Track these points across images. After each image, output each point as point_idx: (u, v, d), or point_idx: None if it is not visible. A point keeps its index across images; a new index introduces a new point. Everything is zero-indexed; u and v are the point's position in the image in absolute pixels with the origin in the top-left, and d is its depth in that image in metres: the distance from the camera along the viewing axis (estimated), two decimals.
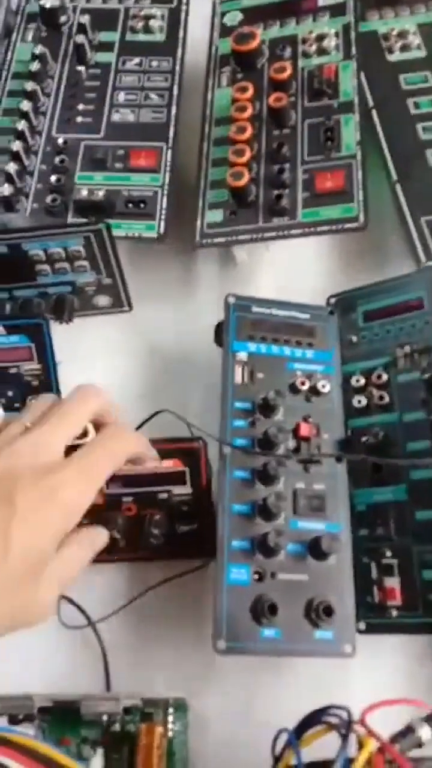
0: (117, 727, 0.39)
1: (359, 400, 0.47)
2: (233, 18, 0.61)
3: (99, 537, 0.39)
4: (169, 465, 0.44)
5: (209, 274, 0.56)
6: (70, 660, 0.44)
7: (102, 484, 0.36)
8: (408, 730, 0.31)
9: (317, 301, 0.51)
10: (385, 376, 0.47)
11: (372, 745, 0.30)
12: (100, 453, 0.37)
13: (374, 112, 0.56)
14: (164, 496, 0.44)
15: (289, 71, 0.53)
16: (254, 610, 0.39)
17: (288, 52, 0.57)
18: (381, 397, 0.46)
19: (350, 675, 0.42)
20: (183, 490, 0.44)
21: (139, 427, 0.45)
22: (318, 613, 0.39)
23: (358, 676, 0.42)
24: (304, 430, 0.44)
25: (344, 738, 0.31)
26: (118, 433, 0.39)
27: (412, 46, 0.59)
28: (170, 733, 0.40)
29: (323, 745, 0.32)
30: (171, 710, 0.40)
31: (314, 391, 0.46)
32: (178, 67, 0.58)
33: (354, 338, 0.49)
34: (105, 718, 0.39)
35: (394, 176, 0.52)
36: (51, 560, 0.34)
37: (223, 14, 0.61)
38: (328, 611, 0.39)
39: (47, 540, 0.34)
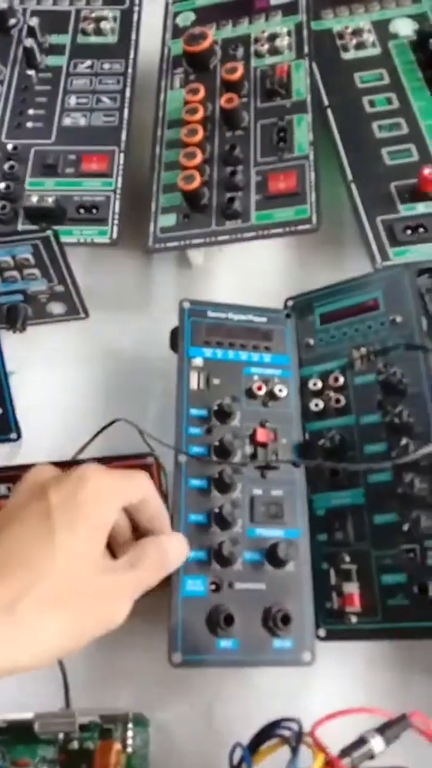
0: (75, 745, 0.39)
1: (316, 404, 0.46)
2: (186, 19, 0.60)
3: (174, 548, 0.39)
4: None
5: (166, 279, 0.55)
6: (28, 678, 0.43)
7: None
8: (360, 742, 0.31)
9: (276, 304, 0.50)
10: (341, 379, 0.46)
11: (321, 759, 0.30)
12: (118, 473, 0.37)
13: (329, 112, 0.55)
14: None
15: (240, 71, 0.53)
16: (210, 622, 0.39)
17: (241, 52, 0.56)
18: (338, 400, 0.46)
19: (312, 682, 0.41)
20: None
21: (93, 438, 0.45)
22: (276, 621, 0.39)
23: (320, 683, 0.42)
24: (261, 435, 0.43)
25: (294, 751, 0.30)
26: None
27: (367, 44, 0.58)
28: (129, 749, 0.39)
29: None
30: (130, 725, 0.39)
31: (271, 395, 0.45)
32: (130, 70, 0.57)
33: (311, 341, 0.49)
34: (61, 736, 0.38)
35: (350, 176, 0.52)
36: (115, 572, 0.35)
37: (175, 15, 0.61)
38: (286, 619, 0.39)
39: (90, 555, 0.34)
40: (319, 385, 0.47)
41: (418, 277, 0.52)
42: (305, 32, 0.56)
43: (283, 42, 0.55)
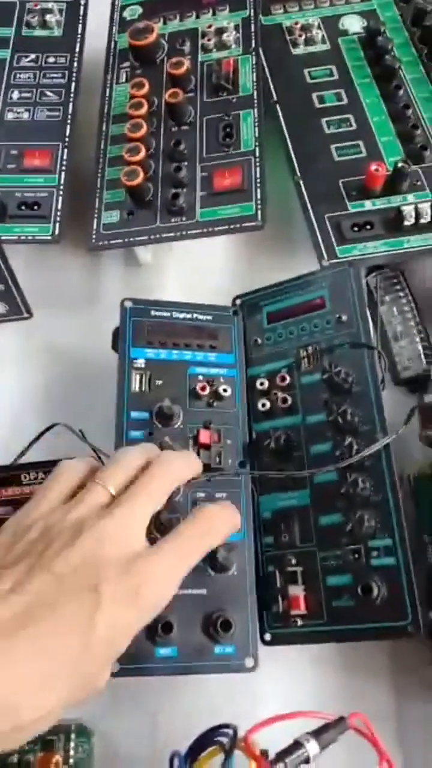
0: (14, 758, 0.38)
1: (263, 404, 0.45)
2: (133, 12, 0.59)
3: None
4: None
5: (113, 277, 0.54)
6: None
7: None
8: (295, 746, 0.30)
9: (227, 301, 0.49)
10: (288, 378, 0.45)
11: (254, 766, 0.29)
12: (188, 549, 0.34)
13: (278, 107, 0.54)
14: None
15: (186, 66, 0.52)
16: (148, 630, 0.37)
17: (188, 46, 0.56)
18: (285, 400, 0.45)
19: (260, 686, 0.41)
20: None
21: (31, 443, 0.43)
22: (216, 627, 0.38)
23: (268, 687, 0.41)
24: (204, 437, 0.42)
25: (226, 758, 0.30)
26: (208, 529, 0.35)
27: (316, 39, 0.58)
28: (71, 760, 0.38)
29: None
30: (73, 736, 0.38)
31: (216, 395, 0.44)
32: (75, 64, 0.56)
33: (259, 340, 0.48)
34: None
35: (298, 172, 0.51)
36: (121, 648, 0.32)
37: (122, 8, 0.59)
38: (226, 625, 0.38)
39: (124, 640, 0.32)
40: (266, 384, 0.46)
41: (368, 275, 0.52)
42: (252, 27, 0.55)
43: (230, 37, 0.54)
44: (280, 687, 0.41)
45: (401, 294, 0.51)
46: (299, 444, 0.43)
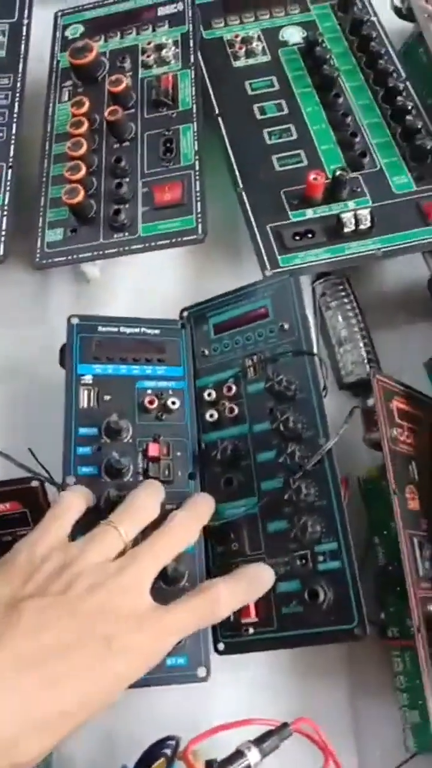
0: None
1: (211, 414, 0.46)
2: (75, 31, 0.60)
3: None
4: (7, 509, 0.42)
5: (62, 294, 0.54)
6: None
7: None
8: (236, 755, 0.31)
9: (176, 313, 0.50)
10: (234, 388, 0.46)
11: None
12: (189, 618, 0.36)
13: (220, 120, 0.55)
14: (9, 539, 0.42)
15: (125, 83, 0.52)
16: None
17: (128, 63, 0.56)
18: (231, 410, 0.45)
19: (214, 695, 0.41)
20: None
21: None
22: None
23: (222, 695, 0.41)
24: (153, 450, 0.43)
25: None
26: (215, 597, 0.37)
27: (257, 51, 0.59)
28: None
29: None
30: None
31: (165, 408, 0.45)
32: (19, 84, 0.56)
33: (206, 351, 0.48)
34: None
35: (240, 184, 0.52)
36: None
37: (65, 27, 0.60)
38: None
39: (125, 686, 0.34)
40: (214, 395, 0.46)
41: (315, 282, 0.53)
42: (191, 42, 0.56)
43: (169, 52, 0.55)
44: (236, 694, 0.42)
45: (346, 300, 0.52)
46: (246, 453, 0.44)
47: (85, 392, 0.44)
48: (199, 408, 0.47)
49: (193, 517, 0.41)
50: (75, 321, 0.46)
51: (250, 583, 0.39)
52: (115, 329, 0.47)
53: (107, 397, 0.44)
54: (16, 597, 0.33)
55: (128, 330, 0.47)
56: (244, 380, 0.46)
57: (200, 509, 0.41)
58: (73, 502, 0.39)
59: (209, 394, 0.47)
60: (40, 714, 0.30)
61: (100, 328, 0.46)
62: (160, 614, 0.35)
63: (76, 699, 0.31)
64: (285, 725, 0.32)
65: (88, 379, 0.45)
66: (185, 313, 0.50)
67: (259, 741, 0.31)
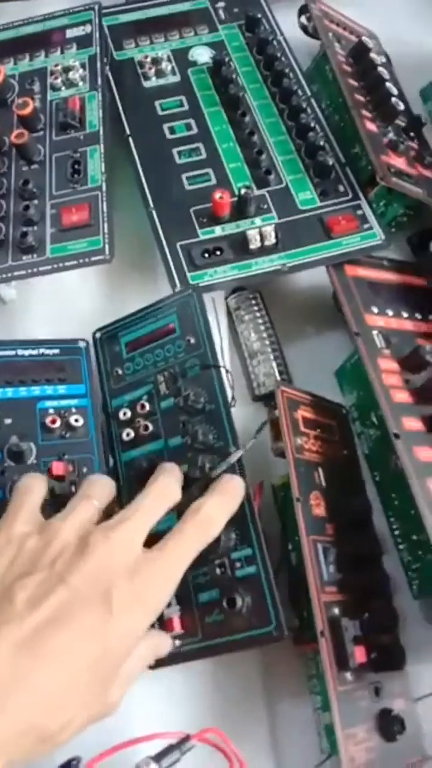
0: None
1: (127, 433, 0.46)
2: None
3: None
4: None
5: None
6: None
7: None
8: None
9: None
10: (148, 406, 0.47)
11: None
12: (187, 545, 0.37)
13: (131, 140, 0.56)
14: None
15: (31, 106, 0.53)
16: None
17: (37, 85, 0.57)
18: (146, 427, 0.46)
19: (127, 712, 0.41)
20: None
21: None
22: None
23: (135, 711, 0.42)
24: (58, 469, 0.43)
25: None
26: (206, 524, 0.38)
27: (166, 72, 0.60)
28: None
29: None
30: None
31: (68, 426, 0.45)
32: None
33: (119, 371, 0.49)
34: None
35: (150, 203, 0.53)
36: (129, 659, 0.34)
37: None
38: None
39: (133, 642, 0.34)
40: (129, 414, 0.47)
41: (229, 296, 0.54)
42: (98, 64, 0.56)
43: (76, 74, 0.56)
44: (153, 709, 0.42)
45: (258, 314, 0.53)
46: None
47: None
48: (114, 428, 0.47)
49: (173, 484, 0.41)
50: None
51: (231, 494, 0.40)
52: (12, 352, 0.47)
53: (8, 421, 0.44)
54: (4, 582, 0.33)
55: (26, 352, 0.47)
56: (157, 397, 0.47)
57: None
58: (35, 484, 0.39)
59: (124, 414, 0.47)
60: (55, 690, 0.30)
61: None
62: (153, 556, 0.36)
63: (85, 664, 0.31)
64: (186, 738, 0.33)
65: None
66: (98, 334, 0.51)
67: (159, 756, 0.32)
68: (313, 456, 0.44)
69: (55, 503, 0.42)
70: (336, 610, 0.39)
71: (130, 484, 0.45)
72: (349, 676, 0.38)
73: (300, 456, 0.43)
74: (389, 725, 0.39)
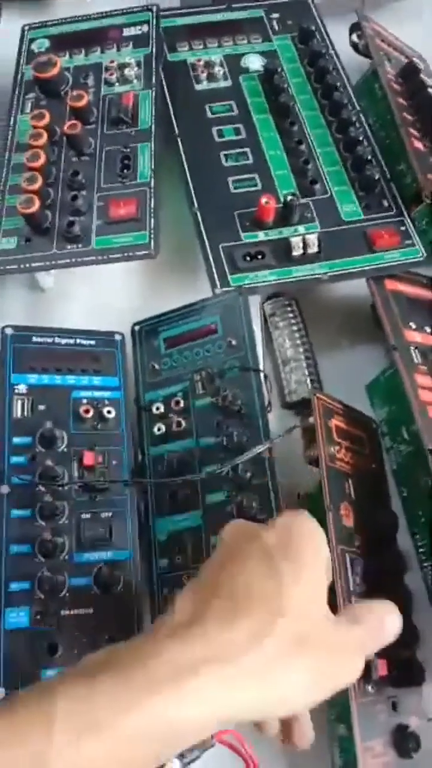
0: None
1: (159, 428, 0.47)
2: (41, 45, 0.60)
3: None
4: None
5: (16, 303, 0.54)
6: None
7: None
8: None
9: (128, 327, 0.51)
10: (182, 402, 0.47)
11: None
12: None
13: (180, 140, 0.56)
14: None
15: (86, 99, 0.53)
16: (33, 652, 0.38)
17: (91, 80, 0.57)
18: (179, 424, 0.46)
19: None
20: None
21: None
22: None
23: None
24: (88, 459, 0.43)
25: None
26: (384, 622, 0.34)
27: (218, 76, 0.60)
28: None
29: None
30: None
31: (101, 417, 0.45)
32: None
33: (156, 365, 0.49)
34: None
35: (195, 203, 0.53)
36: None
37: (31, 41, 0.61)
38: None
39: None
40: (162, 409, 0.47)
41: (265, 302, 0.54)
42: (153, 64, 0.57)
43: (131, 72, 0.56)
44: None
45: (293, 321, 0.53)
46: (192, 466, 0.45)
47: (19, 402, 0.44)
48: (147, 421, 0.47)
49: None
50: (9, 331, 0.46)
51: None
52: (50, 340, 0.47)
53: (42, 407, 0.45)
54: None
55: (63, 341, 0.48)
56: (193, 395, 0.47)
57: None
58: None
59: (157, 408, 0.47)
60: None
61: (34, 339, 0.47)
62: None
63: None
64: (210, 737, 0.33)
65: (22, 388, 0.45)
66: (136, 327, 0.51)
67: (181, 753, 0.32)
68: (344, 466, 0.44)
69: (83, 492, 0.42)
70: None
71: (157, 478, 0.45)
72: (370, 688, 0.38)
73: (332, 465, 0.43)
74: (405, 741, 0.38)
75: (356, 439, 0.47)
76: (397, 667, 0.40)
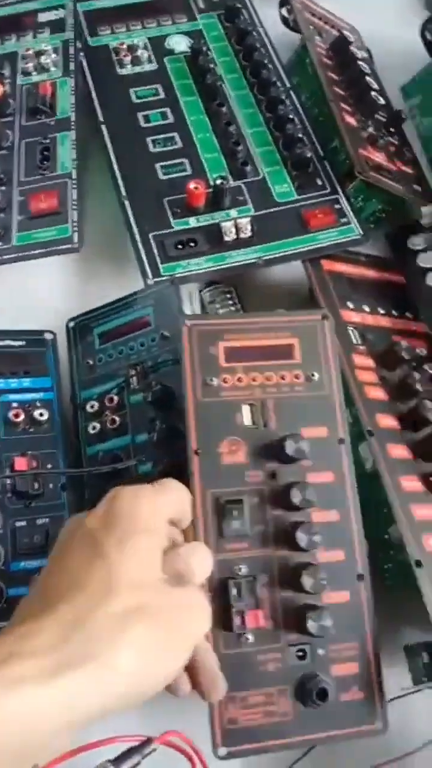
0: None
1: (93, 426, 0.45)
2: None
3: None
4: None
5: None
6: None
7: None
8: None
9: (61, 325, 0.49)
10: (117, 399, 0.45)
11: None
12: None
13: (104, 127, 0.54)
14: None
15: (1, 91, 0.51)
16: None
17: (8, 70, 0.55)
18: (113, 421, 0.45)
19: None
20: None
21: None
22: None
23: None
24: (20, 464, 0.41)
25: None
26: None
27: (142, 59, 0.58)
28: None
29: None
30: None
31: (33, 421, 0.44)
32: None
33: (91, 361, 0.48)
34: None
35: (123, 192, 0.51)
36: None
37: None
38: None
39: None
40: (97, 406, 0.46)
41: (203, 289, 0.53)
42: (72, 50, 0.55)
43: (49, 59, 0.54)
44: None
45: (233, 308, 0.52)
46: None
47: None
48: (81, 420, 0.46)
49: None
50: None
51: None
52: None
53: None
54: None
55: None
56: (128, 390, 0.46)
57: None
58: None
59: (92, 406, 0.46)
60: None
61: None
62: None
63: None
64: (148, 741, 0.32)
65: None
66: (71, 323, 0.49)
67: (118, 760, 0.30)
68: None
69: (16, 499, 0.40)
70: None
71: (94, 479, 0.43)
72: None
73: None
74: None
75: None
76: None
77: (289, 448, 0.37)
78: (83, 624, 0.28)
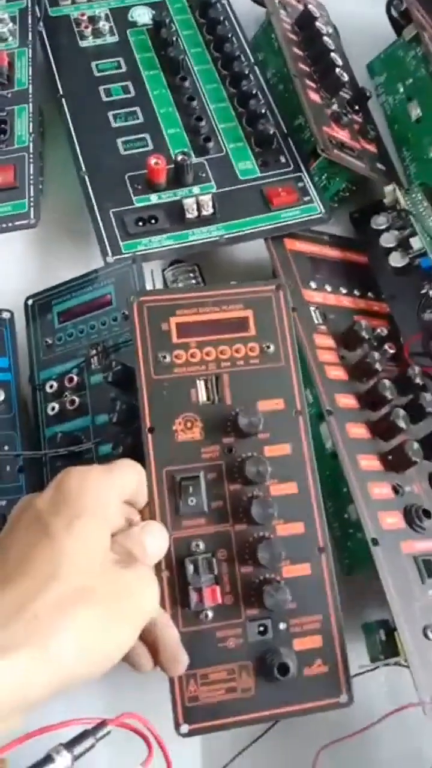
0: None
1: (53, 407, 0.44)
2: None
3: None
4: None
5: None
6: None
7: None
8: (45, 761, 0.30)
9: (20, 302, 0.48)
10: (77, 379, 0.45)
11: None
12: None
13: (64, 101, 0.53)
14: None
15: None
16: None
17: None
18: (73, 402, 0.44)
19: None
20: None
21: None
22: None
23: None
24: None
25: None
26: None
27: (104, 31, 0.57)
28: None
29: None
30: None
31: None
32: None
33: (50, 340, 0.47)
34: None
35: (83, 167, 0.50)
36: None
37: None
38: None
39: None
40: (56, 387, 0.45)
41: (167, 268, 0.52)
42: (30, 19, 0.53)
43: (5, 28, 0.53)
44: (74, 694, 0.41)
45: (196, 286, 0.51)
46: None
47: None
48: (41, 401, 0.45)
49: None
50: None
51: None
52: None
53: None
54: None
55: None
56: (88, 370, 0.45)
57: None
58: None
59: (51, 386, 0.45)
60: None
61: None
62: None
63: None
64: (102, 723, 0.32)
65: None
66: (30, 301, 0.48)
67: (71, 743, 0.30)
68: None
69: None
70: None
71: (53, 461, 0.43)
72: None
73: None
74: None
75: None
76: None
77: (242, 421, 0.37)
78: (26, 607, 0.27)
